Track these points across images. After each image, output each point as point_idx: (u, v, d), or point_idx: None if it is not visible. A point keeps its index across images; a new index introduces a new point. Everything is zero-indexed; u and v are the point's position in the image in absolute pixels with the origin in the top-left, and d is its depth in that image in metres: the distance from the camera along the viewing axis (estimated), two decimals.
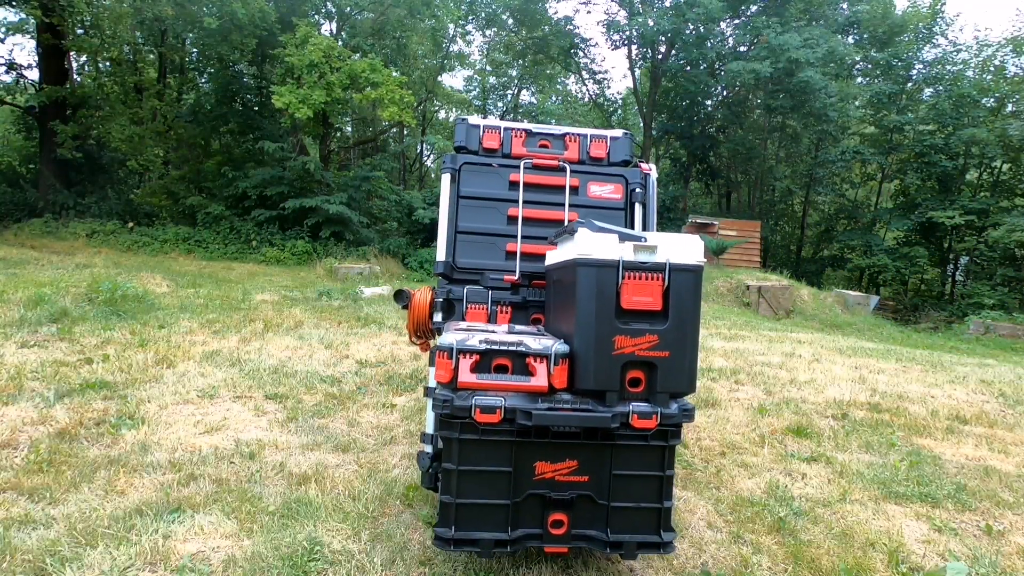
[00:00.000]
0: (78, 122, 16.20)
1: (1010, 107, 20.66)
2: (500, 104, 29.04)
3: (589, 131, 3.02)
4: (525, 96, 29.44)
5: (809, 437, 4.01)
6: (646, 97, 23.60)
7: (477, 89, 28.75)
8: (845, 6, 21.50)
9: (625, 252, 2.03)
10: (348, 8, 18.57)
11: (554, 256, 2.45)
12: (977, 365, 7.05)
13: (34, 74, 17.45)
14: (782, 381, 5.34)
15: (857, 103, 21.13)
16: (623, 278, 2.00)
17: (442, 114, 29.64)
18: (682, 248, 2.03)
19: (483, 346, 2.06)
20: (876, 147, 22.06)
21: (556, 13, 23.66)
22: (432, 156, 28.32)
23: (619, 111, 28.16)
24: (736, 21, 22.14)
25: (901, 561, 2.52)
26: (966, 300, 18.31)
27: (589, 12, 50.54)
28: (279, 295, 8.61)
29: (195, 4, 15.55)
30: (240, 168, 16.79)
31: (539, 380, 2.03)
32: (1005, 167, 20.60)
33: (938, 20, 21.74)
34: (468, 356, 2.05)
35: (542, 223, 2.90)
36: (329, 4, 19.04)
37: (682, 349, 2.00)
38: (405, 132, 24.50)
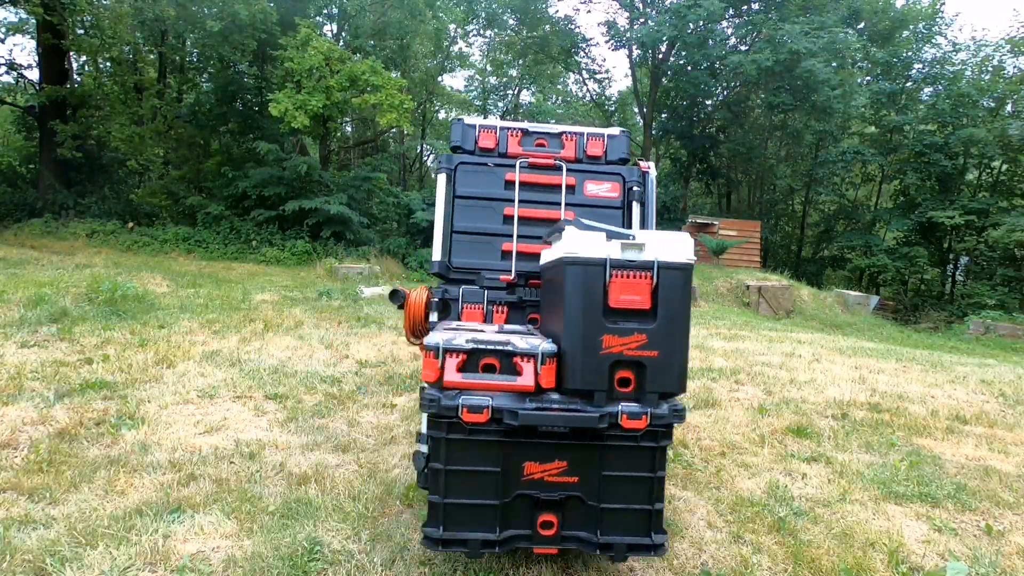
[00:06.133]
0: (78, 122, 16.16)
1: (1009, 107, 20.67)
2: (500, 104, 29.05)
3: (586, 129, 2.99)
4: (525, 96, 29.47)
5: (809, 437, 4.01)
6: (646, 97, 23.57)
7: (477, 89, 28.75)
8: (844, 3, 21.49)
9: (612, 250, 2.00)
10: (350, 8, 18.54)
11: (547, 255, 2.44)
12: (977, 365, 7.05)
13: (34, 74, 17.48)
14: (782, 381, 5.33)
15: (857, 101, 21.11)
16: (611, 277, 1.98)
17: (442, 114, 29.64)
18: (671, 246, 2.00)
19: (470, 345, 2.03)
20: (876, 147, 22.05)
21: (557, 12, 23.67)
22: (432, 157, 28.33)
23: (619, 111, 28.17)
24: (737, 20, 22.12)
25: (901, 561, 2.51)
26: (966, 300, 18.32)
27: (589, 12, 50.63)
28: (279, 295, 8.61)
29: (196, 4, 15.52)
30: (240, 168, 16.75)
31: (526, 380, 2.01)
32: (1004, 167, 20.61)
33: (937, 20, 21.76)
34: (455, 355, 2.02)
35: (539, 222, 2.88)
36: (332, 4, 19.00)
37: (671, 348, 1.98)
38: (405, 133, 24.47)
